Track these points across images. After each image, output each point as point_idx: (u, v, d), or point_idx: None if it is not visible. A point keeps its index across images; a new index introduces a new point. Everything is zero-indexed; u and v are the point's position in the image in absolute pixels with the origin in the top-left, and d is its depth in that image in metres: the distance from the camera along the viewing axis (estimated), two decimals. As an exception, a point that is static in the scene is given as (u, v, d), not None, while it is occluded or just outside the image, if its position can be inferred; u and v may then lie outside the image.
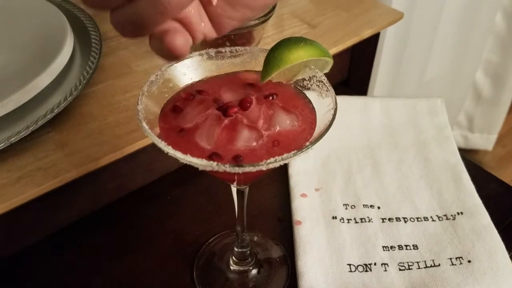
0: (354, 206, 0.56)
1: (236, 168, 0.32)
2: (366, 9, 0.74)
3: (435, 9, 1.23)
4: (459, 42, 1.36)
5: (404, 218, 0.55)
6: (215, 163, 0.31)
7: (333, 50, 0.66)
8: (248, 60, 0.42)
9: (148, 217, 0.56)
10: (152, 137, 0.33)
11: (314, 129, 0.37)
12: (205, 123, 0.36)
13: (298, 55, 0.38)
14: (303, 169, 0.60)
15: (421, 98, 0.70)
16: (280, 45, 0.39)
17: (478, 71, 1.52)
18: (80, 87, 0.54)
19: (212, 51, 0.41)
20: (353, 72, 0.78)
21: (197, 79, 0.41)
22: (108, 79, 0.59)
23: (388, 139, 0.65)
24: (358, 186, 0.59)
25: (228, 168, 0.31)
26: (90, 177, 0.50)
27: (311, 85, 0.40)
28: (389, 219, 0.55)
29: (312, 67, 0.40)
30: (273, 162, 0.32)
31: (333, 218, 0.55)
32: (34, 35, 0.60)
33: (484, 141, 1.72)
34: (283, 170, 0.60)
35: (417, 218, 0.55)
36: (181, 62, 0.40)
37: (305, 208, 0.55)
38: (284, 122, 0.37)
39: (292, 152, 0.32)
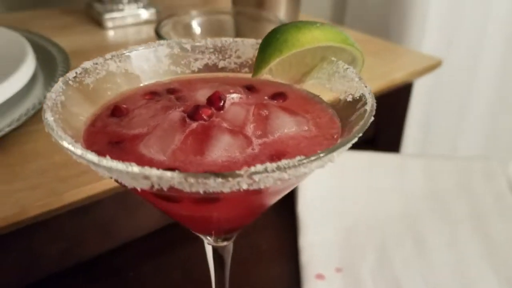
0: (393, 295, 0.39)
1: (201, 181, 0.17)
2: (396, 55, 0.62)
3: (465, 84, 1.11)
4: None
5: (467, 317, 0.38)
6: (170, 174, 0.17)
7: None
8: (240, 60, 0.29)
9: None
10: (54, 133, 0.19)
11: (337, 140, 0.22)
12: (159, 126, 0.22)
13: (312, 37, 0.25)
14: (319, 241, 0.44)
15: (473, 158, 0.55)
16: (286, 25, 0.26)
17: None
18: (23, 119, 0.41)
19: (187, 43, 0.28)
20: (381, 129, 0.63)
21: (156, 80, 0.28)
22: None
23: (433, 208, 0.49)
24: (397, 266, 0.42)
25: (186, 182, 0.17)
26: (18, 235, 0.36)
27: (331, 86, 0.26)
28: (446, 318, 0.37)
29: (333, 59, 0.26)
30: (262, 173, 0.17)
31: (362, 312, 0.38)
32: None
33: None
34: (292, 241, 0.44)
35: (486, 318, 0.38)
36: (139, 52, 0.27)
37: (322, 296, 0.39)
38: (288, 126, 0.23)
39: (297, 158, 0.17)
